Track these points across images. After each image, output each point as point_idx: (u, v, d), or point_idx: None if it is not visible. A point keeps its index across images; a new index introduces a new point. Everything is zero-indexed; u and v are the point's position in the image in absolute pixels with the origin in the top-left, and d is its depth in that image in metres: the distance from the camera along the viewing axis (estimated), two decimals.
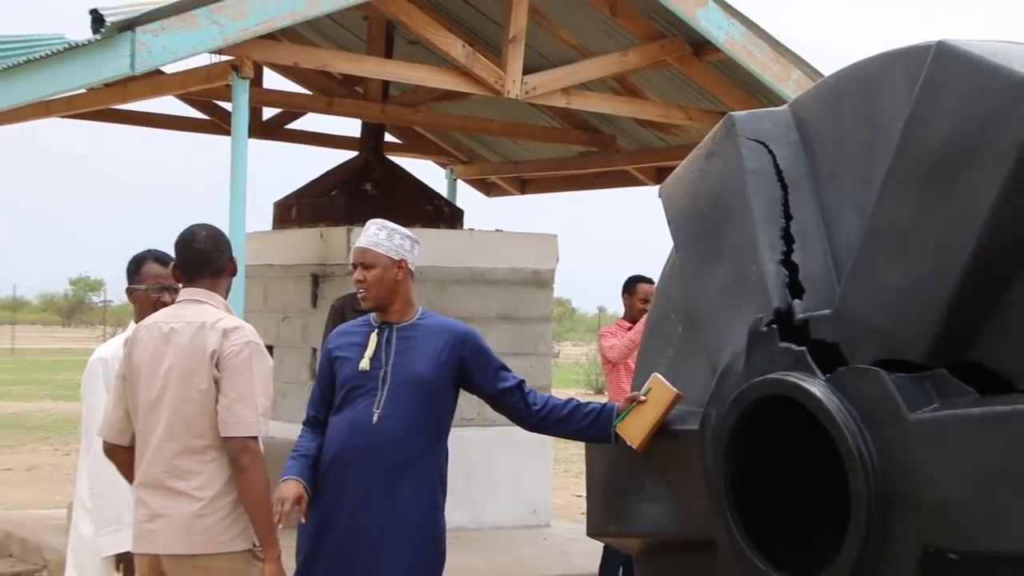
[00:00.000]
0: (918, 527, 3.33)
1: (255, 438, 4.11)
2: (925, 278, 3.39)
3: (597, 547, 6.66)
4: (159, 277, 4.88)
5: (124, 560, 4.67)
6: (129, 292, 4.96)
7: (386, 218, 4.59)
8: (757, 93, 8.69)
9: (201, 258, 4.30)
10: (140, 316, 4.81)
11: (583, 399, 4.62)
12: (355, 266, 4.48)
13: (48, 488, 12.22)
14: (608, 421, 4.40)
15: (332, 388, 4.47)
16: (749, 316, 3.88)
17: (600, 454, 4.63)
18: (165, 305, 4.69)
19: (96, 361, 4.89)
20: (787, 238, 3.94)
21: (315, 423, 4.52)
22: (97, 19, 6.69)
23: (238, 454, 4.09)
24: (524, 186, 12.24)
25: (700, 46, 8.54)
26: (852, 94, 3.92)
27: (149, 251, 4.99)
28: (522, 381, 4.56)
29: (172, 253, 4.41)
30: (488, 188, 12.44)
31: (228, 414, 4.09)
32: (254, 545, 4.18)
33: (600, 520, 4.71)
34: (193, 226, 4.36)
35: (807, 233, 3.92)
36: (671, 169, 4.64)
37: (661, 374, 4.32)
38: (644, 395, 4.29)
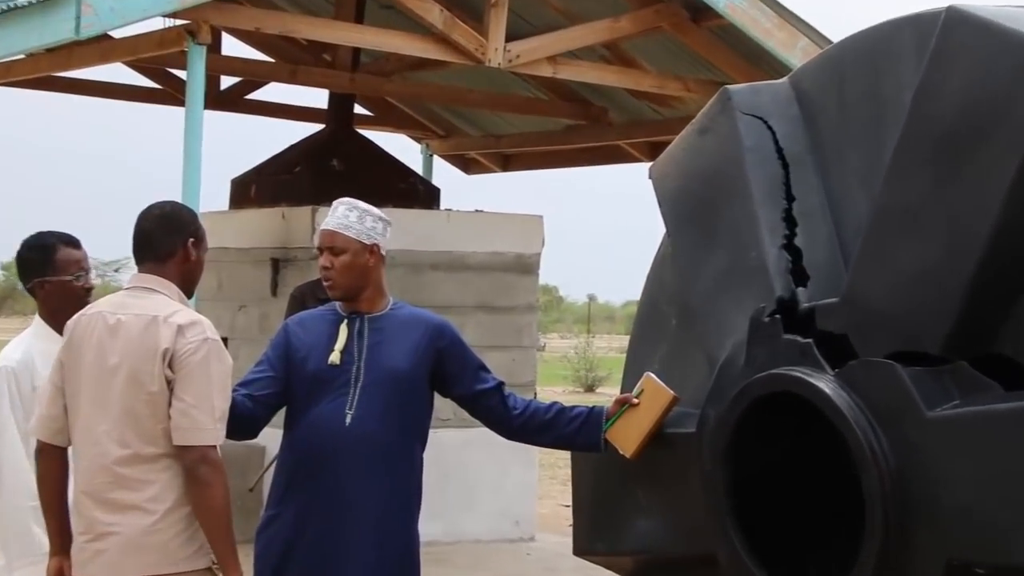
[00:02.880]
0: (940, 538, 3.32)
1: (214, 447, 4.07)
2: (941, 261, 3.39)
3: (586, 563, 6.67)
4: (78, 261, 4.73)
5: None
6: (39, 284, 4.70)
7: (355, 197, 4.56)
8: (760, 62, 8.73)
9: (147, 240, 4.23)
10: (52, 309, 4.70)
11: (572, 396, 4.63)
12: (321, 251, 4.44)
13: None
14: (596, 427, 4.38)
15: (282, 373, 4.40)
16: (749, 306, 3.89)
17: (588, 464, 4.63)
18: (89, 291, 4.62)
19: (1, 370, 4.63)
20: (789, 220, 3.95)
21: (246, 397, 4.36)
22: None
23: (195, 465, 4.04)
24: (507, 162, 12.28)
25: (699, 11, 8.58)
26: (857, 65, 3.93)
27: (49, 234, 4.78)
28: (502, 383, 4.54)
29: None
30: (467, 165, 12.48)
31: (184, 420, 4.03)
32: (212, 563, 4.15)
33: (588, 537, 4.71)
34: (153, 203, 4.31)
35: (811, 214, 3.93)
36: (667, 144, 4.65)
37: (653, 372, 4.31)
38: (636, 397, 4.28)
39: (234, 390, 4.29)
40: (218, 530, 4.07)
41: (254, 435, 4.43)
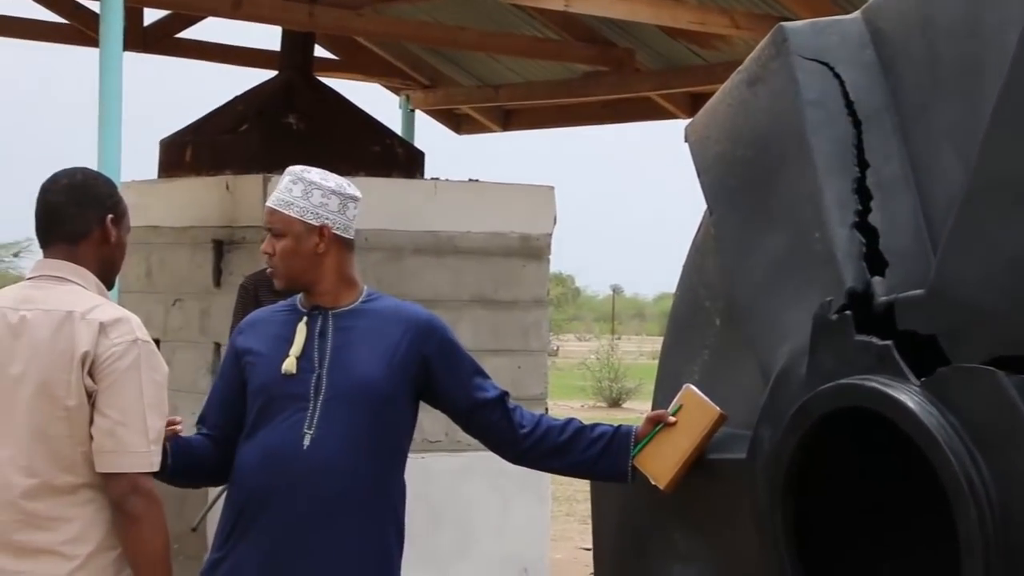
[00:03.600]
0: None
1: (147, 475, 4.11)
2: None
3: None
4: None
5: None
6: None
7: (317, 163, 4.58)
8: None
9: (54, 218, 4.25)
10: None
11: (592, 413, 4.66)
12: (265, 231, 4.50)
13: None
14: (624, 451, 4.42)
15: (239, 396, 4.47)
16: (812, 300, 3.92)
17: (612, 498, 4.68)
18: None
19: None
20: (862, 193, 3.98)
21: (206, 436, 4.51)
22: None
23: (124, 497, 4.07)
24: (508, 119, 12.33)
25: None
26: None
27: None
28: (505, 393, 4.57)
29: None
30: (458, 122, 12.52)
31: (109, 441, 4.06)
32: None
33: None
34: (60, 171, 4.34)
35: (889, 186, 3.96)
36: (710, 96, 4.68)
37: (694, 384, 4.35)
38: (673, 415, 4.32)
39: (201, 420, 4.43)
40: (153, 562, 4.11)
41: (223, 480, 4.53)
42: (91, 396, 4.08)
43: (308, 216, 4.42)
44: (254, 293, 7.45)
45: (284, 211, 4.42)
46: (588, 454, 4.47)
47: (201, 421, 4.55)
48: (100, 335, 4.09)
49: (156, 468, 4.12)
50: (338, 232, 4.46)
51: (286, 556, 4.35)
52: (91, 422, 4.09)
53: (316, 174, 4.48)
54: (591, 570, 5.03)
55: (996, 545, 3.43)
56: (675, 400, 4.35)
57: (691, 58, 10.65)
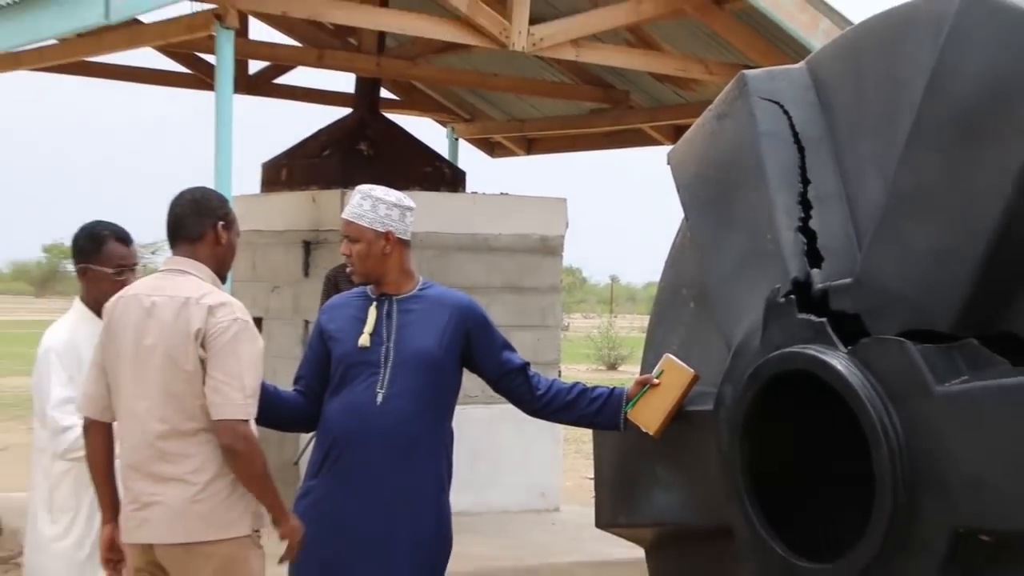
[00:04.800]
0: (947, 507, 3.35)
1: (245, 421, 4.13)
2: (952, 242, 3.41)
3: (608, 534, 6.75)
4: (124, 257, 4.85)
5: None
6: (84, 270, 4.86)
7: (381, 181, 4.60)
8: (782, 45, 8.71)
9: (177, 224, 4.28)
10: (94, 295, 4.79)
11: (594, 375, 4.66)
12: (343, 238, 4.49)
13: (25, 470, 12.24)
14: (617, 407, 4.43)
15: (324, 362, 4.47)
16: (765, 288, 3.91)
17: (609, 442, 4.67)
18: (126, 286, 4.71)
19: (47, 352, 4.78)
20: (804, 204, 3.96)
21: (299, 393, 4.52)
22: None
23: (229, 439, 4.10)
24: (531, 146, 12.26)
25: None
26: (873, 48, 3.94)
27: (103, 225, 4.89)
28: (527, 363, 4.57)
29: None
30: (492, 148, 12.47)
31: (216, 396, 4.09)
32: (253, 530, 4.22)
33: (610, 511, 4.75)
34: (184, 189, 4.36)
35: (826, 198, 3.94)
36: (690, 127, 4.66)
37: (673, 353, 4.34)
38: (657, 378, 4.31)
39: (299, 377, 4.43)
40: (262, 491, 4.17)
41: (313, 427, 4.53)
42: (203, 362, 4.12)
43: (376, 225, 4.43)
44: (335, 282, 7.46)
45: (357, 222, 4.43)
46: (590, 409, 4.48)
47: (296, 381, 4.56)
48: (208, 315, 4.12)
49: (251, 416, 4.14)
50: (399, 236, 4.47)
51: (365, 484, 4.37)
52: (204, 382, 4.14)
53: (380, 191, 4.49)
54: (593, 494, 5.03)
55: (901, 472, 3.44)
56: (658, 365, 4.34)
57: (674, 97, 10.60)
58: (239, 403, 4.11)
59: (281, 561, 4.34)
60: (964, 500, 3.32)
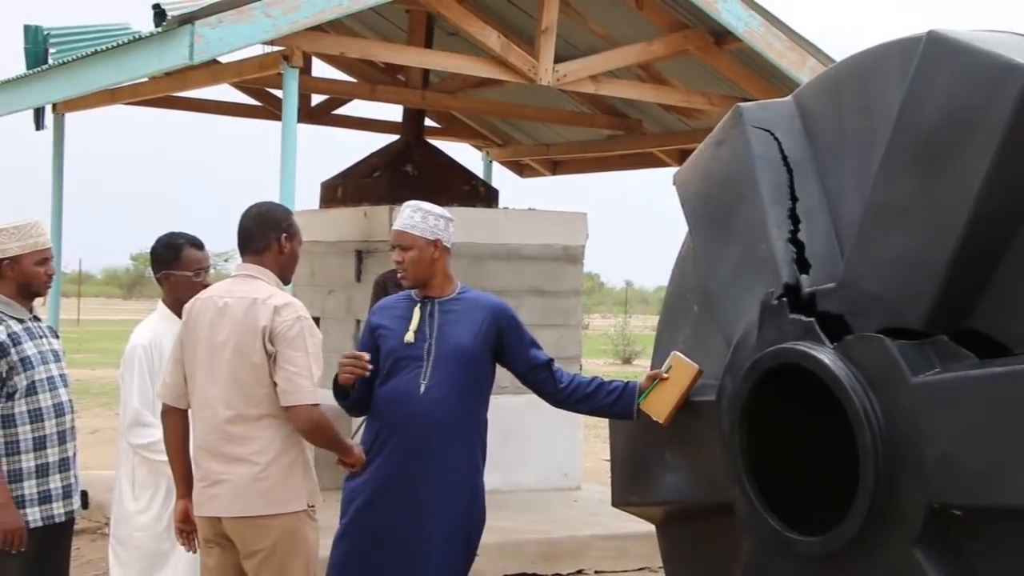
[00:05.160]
0: (923, 484, 3.34)
1: (316, 405, 4.17)
2: (922, 250, 3.41)
3: None
4: (199, 261, 4.89)
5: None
6: (166, 276, 4.90)
7: (425, 198, 4.61)
8: (775, 80, 8.70)
9: (245, 235, 4.33)
10: (175, 298, 4.83)
11: (611, 368, 4.64)
12: (394, 247, 4.51)
13: (110, 450, 12.32)
14: (631, 398, 4.42)
15: (374, 356, 4.48)
16: (760, 291, 3.90)
17: (622, 429, 4.66)
18: (205, 287, 4.74)
19: (134, 348, 4.83)
20: (793, 218, 3.96)
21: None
22: (159, 13, 6.78)
23: (304, 423, 4.15)
24: (555, 167, 12.26)
25: (721, 36, 8.56)
26: (850, 83, 3.93)
27: (179, 235, 4.93)
28: (551, 359, 4.57)
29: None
30: (521, 169, 12.47)
31: (289, 386, 4.12)
32: (308, 505, 4.25)
33: (624, 491, 4.74)
34: (253, 204, 4.39)
35: (812, 213, 3.93)
36: (693, 151, 4.67)
37: (680, 351, 4.32)
38: (666, 372, 4.30)
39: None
40: (335, 448, 4.30)
41: (365, 411, 4.56)
42: (270, 355, 4.13)
43: (427, 234, 4.45)
44: (383, 286, 7.47)
45: (410, 231, 4.45)
46: (607, 401, 4.48)
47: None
48: (275, 315, 4.15)
49: (318, 401, 4.18)
50: (445, 243, 4.50)
51: (410, 465, 4.39)
52: (270, 373, 4.14)
53: (427, 205, 4.52)
54: (610, 475, 5.02)
55: (882, 452, 3.43)
56: (666, 362, 4.33)
57: (681, 125, 10.59)
58: (309, 390, 4.14)
59: (349, 477, 4.46)
60: (937, 479, 3.32)
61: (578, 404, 4.57)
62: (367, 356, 4.39)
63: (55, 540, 4.70)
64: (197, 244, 4.92)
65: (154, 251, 4.97)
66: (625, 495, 4.74)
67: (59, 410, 4.69)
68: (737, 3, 8.22)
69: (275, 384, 4.14)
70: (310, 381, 4.14)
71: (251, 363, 4.15)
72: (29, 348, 4.61)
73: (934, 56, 3.46)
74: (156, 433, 4.59)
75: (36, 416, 4.59)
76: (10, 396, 4.55)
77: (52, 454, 4.64)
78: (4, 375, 4.54)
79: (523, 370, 4.55)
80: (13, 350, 4.56)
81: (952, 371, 3.32)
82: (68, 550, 4.89)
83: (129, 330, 4.98)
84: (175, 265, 4.87)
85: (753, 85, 8.81)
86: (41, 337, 4.71)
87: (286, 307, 4.18)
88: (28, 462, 4.58)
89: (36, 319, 4.78)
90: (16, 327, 4.62)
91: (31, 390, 4.58)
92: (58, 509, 4.67)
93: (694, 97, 9.18)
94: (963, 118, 3.33)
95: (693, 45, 8.68)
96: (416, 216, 4.47)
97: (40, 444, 4.61)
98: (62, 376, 4.72)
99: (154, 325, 4.89)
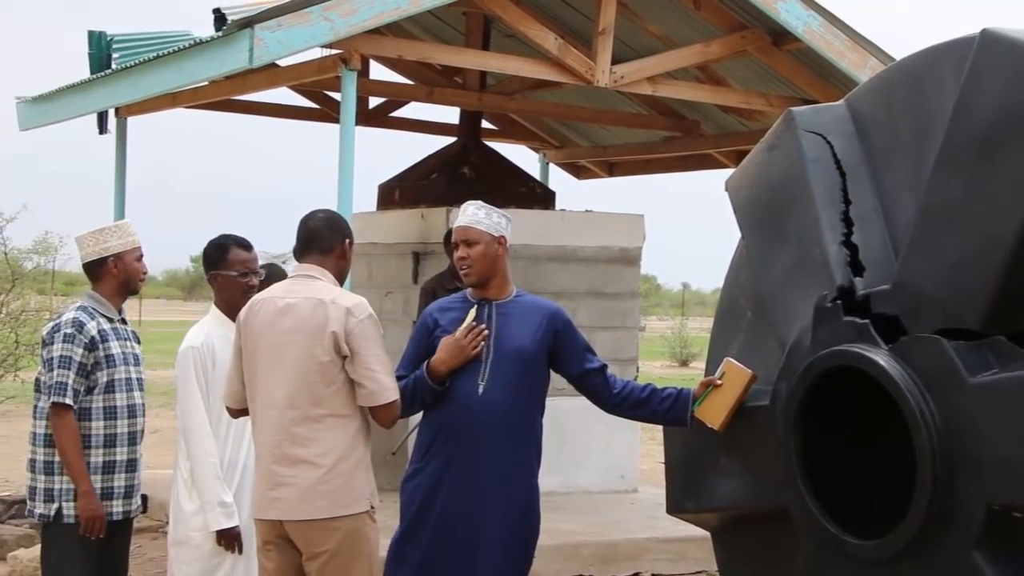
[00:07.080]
0: (981, 486, 3.33)
1: (397, 399, 4.25)
2: (978, 250, 3.40)
3: None
4: (245, 262, 4.97)
5: (225, 535, 4.75)
6: (214, 276, 4.97)
7: (482, 199, 4.63)
8: (834, 80, 8.64)
9: (312, 235, 4.36)
10: (224, 299, 4.92)
11: (668, 371, 4.65)
12: (457, 245, 4.52)
13: (170, 450, 12.45)
14: (685, 405, 4.41)
15: (427, 356, 4.49)
16: (814, 294, 3.91)
17: (677, 437, 4.67)
18: (252, 287, 4.81)
19: (187, 351, 4.87)
20: (847, 221, 3.96)
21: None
22: (219, 18, 6.87)
23: (389, 420, 4.22)
24: (612, 169, 12.24)
25: (780, 36, 8.52)
26: (903, 85, 3.93)
27: (227, 236, 5.00)
28: (605, 365, 4.57)
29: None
30: (578, 171, 12.47)
31: (375, 385, 4.16)
32: (371, 506, 4.28)
33: (679, 498, 4.74)
34: (316, 209, 4.45)
35: (865, 215, 3.93)
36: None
37: (733, 357, 4.32)
38: (719, 379, 4.29)
39: (399, 376, 4.46)
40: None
41: (417, 412, 4.59)
42: (342, 356, 4.15)
43: (492, 230, 4.48)
44: (432, 292, 7.48)
45: (476, 227, 4.47)
46: (660, 408, 4.48)
47: (404, 376, 4.58)
48: (347, 315, 4.18)
49: (398, 396, 4.25)
50: (508, 243, 4.54)
51: (468, 464, 4.40)
52: (340, 372, 4.17)
53: (488, 205, 4.57)
54: None
55: (939, 454, 3.43)
56: (720, 368, 4.33)
57: (739, 126, 10.55)
58: (391, 387, 4.21)
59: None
60: (996, 479, 3.31)
61: (631, 410, 4.57)
62: (482, 324, 4.42)
63: (111, 537, 4.82)
64: (244, 245, 5.01)
65: (204, 253, 5.08)
66: (680, 502, 4.74)
67: (132, 411, 4.85)
68: (796, 2, 8.17)
69: (351, 383, 4.18)
70: (390, 378, 4.23)
71: (319, 362, 4.18)
72: (114, 347, 4.83)
73: (988, 55, 3.46)
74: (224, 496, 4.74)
75: (110, 414, 4.78)
76: (89, 391, 4.72)
77: (121, 453, 4.80)
78: (90, 368, 4.71)
79: (576, 373, 4.56)
80: (101, 346, 4.77)
81: (1010, 371, 3.31)
82: (125, 549, 5.02)
83: (187, 331, 5.08)
84: (222, 266, 4.96)
85: (812, 86, 8.77)
86: (126, 339, 4.94)
87: (357, 307, 4.24)
88: (96, 457, 4.74)
89: (124, 321, 4.96)
90: (106, 325, 4.87)
91: (109, 388, 4.80)
92: (117, 507, 4.81)
93: (752, 98, 9.14)
94: (1018, 116, 3.32)
95: (751, 45, 8.65)
96: (480, 212, 4.51)
97: (111, 442, 4.78)
98: (139, 380, 4.92)
99: (207, 328, 4.98)
